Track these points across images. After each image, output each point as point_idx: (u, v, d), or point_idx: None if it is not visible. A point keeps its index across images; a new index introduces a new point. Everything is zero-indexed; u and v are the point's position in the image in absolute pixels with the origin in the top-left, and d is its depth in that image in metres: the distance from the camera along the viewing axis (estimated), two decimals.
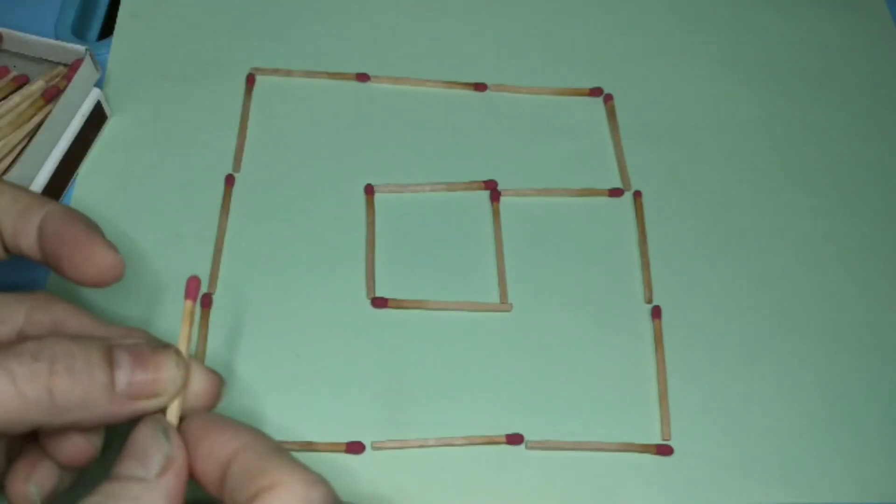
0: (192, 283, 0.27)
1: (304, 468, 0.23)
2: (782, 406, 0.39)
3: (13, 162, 0.38)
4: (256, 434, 0.24)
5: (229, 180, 0.42)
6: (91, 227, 0.29)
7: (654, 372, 0.39)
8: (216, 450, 0.23)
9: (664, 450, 0.37)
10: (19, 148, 0.39)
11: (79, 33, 0.49)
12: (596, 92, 0.47)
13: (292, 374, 0.37)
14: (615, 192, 0.43)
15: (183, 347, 0.26)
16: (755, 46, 0.50)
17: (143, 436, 0.24)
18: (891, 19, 0.51)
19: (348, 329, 0.39)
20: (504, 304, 0.40)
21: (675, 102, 0.47)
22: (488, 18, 0.49)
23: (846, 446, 0.38)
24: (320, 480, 0.23)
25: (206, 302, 0.39)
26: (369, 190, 0.43)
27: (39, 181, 0.40)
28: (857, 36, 0.51)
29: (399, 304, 0.39)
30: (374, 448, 0.36)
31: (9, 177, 0.37)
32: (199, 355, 0.37)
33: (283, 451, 0.23)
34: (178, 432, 0.24)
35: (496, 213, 0.42)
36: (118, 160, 0.43)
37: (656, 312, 0.40)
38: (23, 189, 0.30)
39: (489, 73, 0.47)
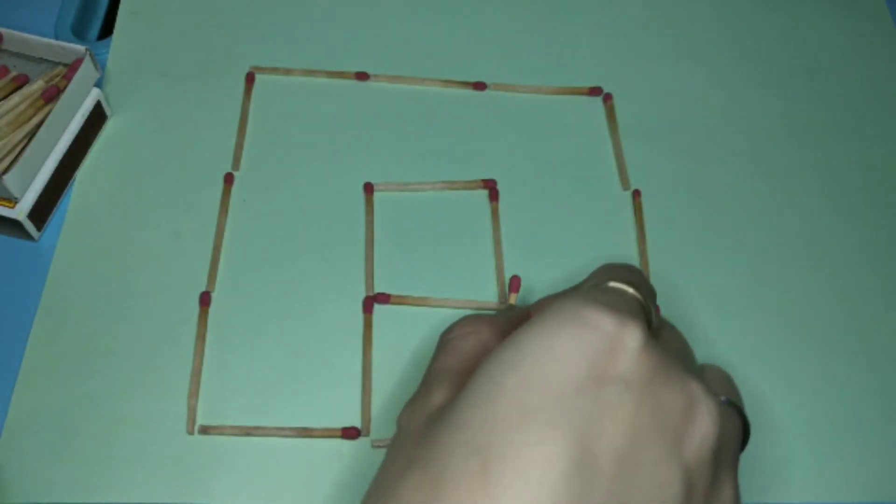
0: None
1: None
2: (781, 406, 0.38)
3: (13, 162, 0.38)
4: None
5: (228, 179, 0.42)
6: None
7: None
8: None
9: None
10: (19, 148, 0.39)
11: (79, 33, 0.49)
12: (595, 92, 0.47)
13: (291, 372, 0.37)
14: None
15: None
16: (755, 46, 0.50)
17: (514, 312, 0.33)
18: (891, 19, 0.51)
19: (347, 327, 0.39)
20: (506, 303, 0.40)
21: (675, 102, 0.47)
22: (488, 18, 0.49)
23: (846, 446, 0.38)
24: None
25: (205, 300, 0.39)
26: (369, 188, 0.43)
27: (39, 181, 0.40)
28: (856, 36, 0.51)
29: (401, 301, 0.39)
30: (374, 447, 0.36)
31: (9, 177, 0.37)
32: (198, 353, 0.37)
33: None
34: None
35: (495, 213, 0.42)
36: (118, 160, 0.43)
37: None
38: None
39: (489, 73, 0.47)
